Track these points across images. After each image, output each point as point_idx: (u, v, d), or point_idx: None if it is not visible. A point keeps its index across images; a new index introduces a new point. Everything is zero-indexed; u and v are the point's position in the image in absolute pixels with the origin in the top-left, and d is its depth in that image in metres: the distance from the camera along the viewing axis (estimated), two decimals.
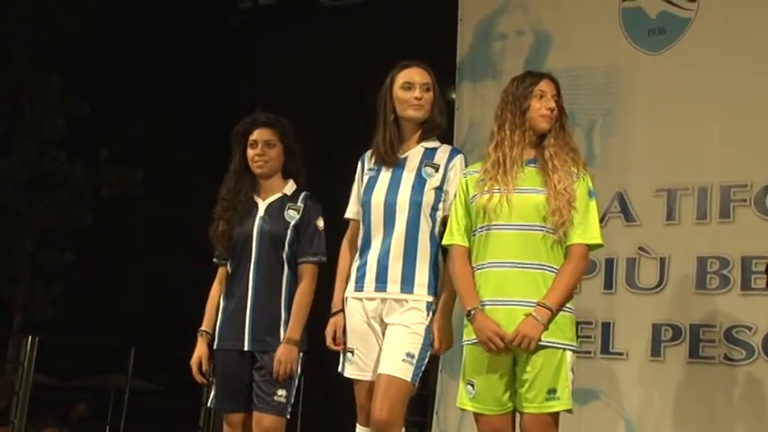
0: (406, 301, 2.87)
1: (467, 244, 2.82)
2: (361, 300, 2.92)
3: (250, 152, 3.20)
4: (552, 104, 2.79)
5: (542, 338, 2.67)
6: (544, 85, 2.82)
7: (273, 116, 3.25)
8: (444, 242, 2.85)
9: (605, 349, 4.16)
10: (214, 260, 3.30)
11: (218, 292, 3.25)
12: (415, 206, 2.88)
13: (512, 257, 2.72)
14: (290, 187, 3.26)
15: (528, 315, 2.66)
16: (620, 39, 4.40)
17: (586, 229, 2.74)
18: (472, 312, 2.73)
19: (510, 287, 2.70)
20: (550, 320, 2.67)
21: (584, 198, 2.76)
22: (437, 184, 2.92)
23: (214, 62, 5.37)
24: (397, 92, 2.95)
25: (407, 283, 2.87)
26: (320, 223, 3.21)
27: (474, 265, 2.78)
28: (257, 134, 3.20)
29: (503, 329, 2.68)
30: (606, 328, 4.19)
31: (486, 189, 2.79)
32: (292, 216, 3.17)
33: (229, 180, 3.22)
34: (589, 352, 4.12)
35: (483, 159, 2.85)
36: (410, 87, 2.93)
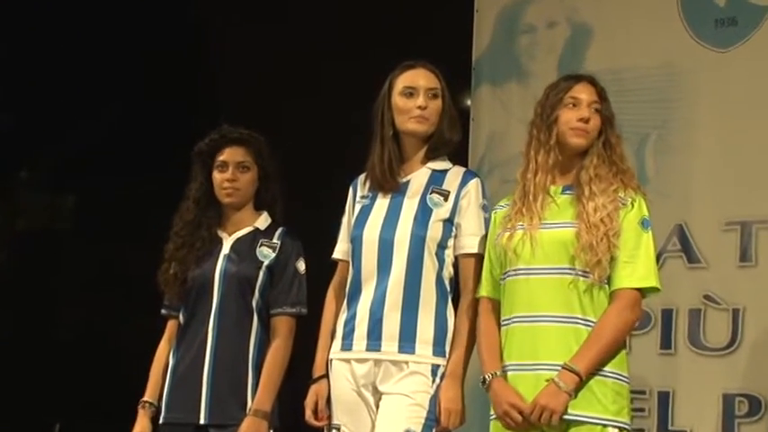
0: (406, 363, 2.90)
1: (496, 295, 2.89)
2: (349, 362, 2.96)
3: (218, 176, 3.26)
4: (586, 114, 2.82)
5: (572, 411, 2.70)
6: (579, 90, 2.86)
7: (247, 132, 3.31)
8: (476, 295, 2.92)
9: (663, 426, 4.19)
10: (163, 311, 3.34)
11: (167, 351, 3.31)
12: (418, 242, 2.93)
13: (540, 309, 2.77)
14: (263, 220, 3.32)
15: (549, 381, 2.70)
16: (678, 31, 4.44)
17: (636, 269, 2.75)
18: (487, 380, 2.80)
19: (538, 347, 2.76)
20: (579, 388, 2.70)
21: (634, 229, 2.79)
22: (446, 215, 2.97)
23: (168, 67, 5.45)
24: (397, 100, 3.00)
25: (407, 341, 2.91)
26: (300, 265, 3.26)
27: (501, 321, 2.86)
28: (227, 154, 3.27)
29: (523, 401, 2.72)
30: (664, 399, 4.22)
31: (509, 226, 2.85)
32: (266, 255, 3.23)
33: (187, 211, 3.28)
34: (642, 430, 4.15)
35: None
36: (412, 94, 2.98)
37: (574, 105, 2.85)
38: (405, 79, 3.01)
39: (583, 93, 2.87)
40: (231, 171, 3.24)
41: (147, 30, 5.53)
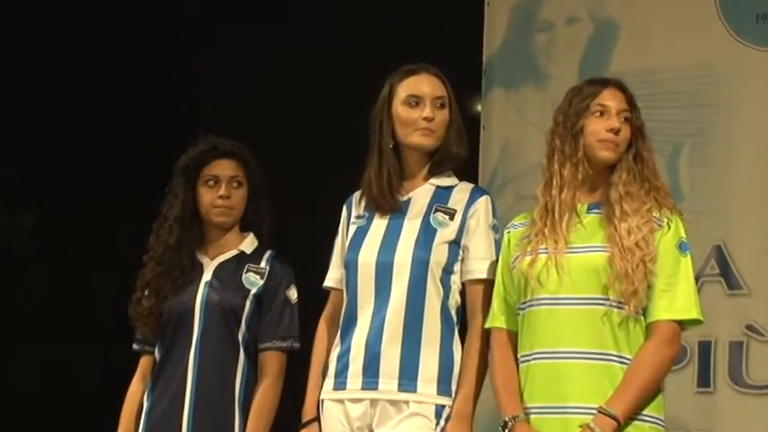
0: (407, 403, 2.90)
1: (513, 327, 2.90)
2: (342, 402, 2.96)
3: (208, 194, 3.29)
4: (616, 124, 2.83)
5: None
6: (607, 97, 2.86)
7: (237, 144, 3.36)
8: (486, 325, 2.93)
9: None
10: (135, 346, 3.34)
11: (141, 390, 3.31)
12: (420, 267, 2.94)
13: (566, 345, 2.78)
14: (249, 243, 3.34)
15: (583, 427, 2.71)
16: (716, 27, 4.46)
17: (674, 299, 2.77)
18: (509, 424, 2.80)
19: (565, 388, 2.76)
20: None
21: (672, 253, 2.81)
22: (451, 236, 2.98)
23: (140, 68, 5.46)
24: (399, 109, 3.01)
25: (408, 378, 2.90)
26: (292, 294, 3.28)
27: (519, 357, 2.86)
28: (218, 168, 3.30)
29: None
30: None
31: (529, 249, 2.85)
32: (253, 282, 3.26)
33: (168, 232, 3.29)
34: None
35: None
36: (417, 103, 2.99)
37: (601, 114, 2.86)
38: (408, 86, 3.02)
39: (611, 100, 2.88)
40: (225, 187, 3.28)
41: (119, 27, 5.53)
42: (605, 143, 2.84)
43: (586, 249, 2.82)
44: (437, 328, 2.94)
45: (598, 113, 2.86)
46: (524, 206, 3.13)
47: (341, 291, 3.07)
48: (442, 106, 3.02)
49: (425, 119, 2.98)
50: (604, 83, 2.93)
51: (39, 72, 5.65)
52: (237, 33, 5.39)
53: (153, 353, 3.31)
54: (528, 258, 2.84)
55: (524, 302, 2.86)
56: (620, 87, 2.92)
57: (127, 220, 3.64)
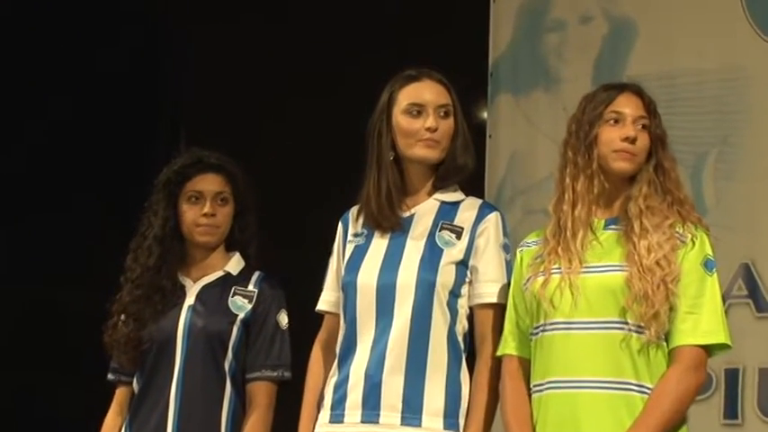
0: None
1: (525, 354, 2.90)
2: None
3: (192, 210, 3.30)
4: (632, 132, 2.84)
5: None
6: (622, 103, 2.87)
7: (224, 157, 3.37)
8: (498, 353, 2.92)
9: None
10: (110, 376, 3.33)
11: (117, 424, 3.30)
12: (425, 290, 2.94)
13: (581, 373, 2.77)
14: (235, 263, 3.35)
15: None
16: (742, 27, 4.46)
17: (699, 322, 2.76)
18: None
19: (580, 419, 2.76)
20: None
21: (697, 272, 2.80)
22: (459, 256, 2.98)
23: (114, 75, 5.44)
24: (400, 119, 3.01)
25: (412, 411, 2.90)
26: (282, 319, 3.29)
27: (531, 386, 2.86)
28: (203, 183, 3.31)
29: None
30: None
31: (541, 269, 2.86)
32: (240, 306, 3.27)
33: (145, 253, 3.29)
34: None
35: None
36: (420, 113, 2.99)
37: (616, 122, 2.86)
38: (409, 94, 3.02)
39: (627, 106, 2.88)
40: (210, 204, 3.29)
41: (91, 30, 5.51)
42: (620, 153, 2.84)
43: (603, 269, 2.82)
44: (444, 356, 2.94)
45: (612, 121, 2.86)
46: (534, 222, 3.15)
47: (336, 315, 3.07)
48: (447, 115, 3.02)
49: (428, 129, 2.99)
50: (620, 88, 2.93)
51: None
52: (222, 35, 5.41)
53: (130, 383, 3.30)
54: (540, 279, 2.84)
55: (537, 327, 2.86)
56: (638, 93, 2.92)
57: (101, 239, 3.61)
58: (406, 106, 3.01)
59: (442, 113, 3.01)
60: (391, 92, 3.05)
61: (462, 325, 3.00)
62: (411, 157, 3.02)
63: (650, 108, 2.91)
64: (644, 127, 2.88)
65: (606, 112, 2.87)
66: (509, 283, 2.99)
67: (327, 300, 3.12)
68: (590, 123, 2.87)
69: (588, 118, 2.87)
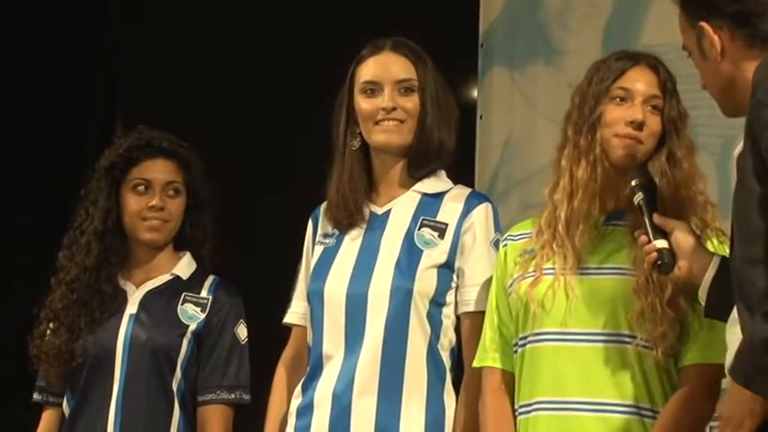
0: None
1: (509, 367, 2.79)
2: None
3: (137, 201, 3.20)
4: (639, 115, 2.68)
5: None
6: (632, 78, 2.72)
7: (178, 140, 3.28)
8: (475, 364, 2.84)
9: None
10: (36, 396, 3.25)
11: None
12: (401, 299, 2.85)
13: (575, 393, 2.68)
14: (185, 265, 3.27)
15: None
16: None
17: (713, 339, 2.61)
18: None
19: None
20: None
21: None
22: (441, 258, 2.88)
23: (38, 46, 5.33)
24: (359, 100, 2.94)
25: None
26: (241, 332, 3.22)
27: (517, 407, 2.77)
28: (151, 170, 3.21)
29: None
30: None
31: (531, 268, 2.74)
32: (192, 316, 3.19)
33: (83, 250, 3.21)
34: None
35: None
36: (374, 90, 2.91)
37: (623, 100, 2.72)
38: (365, 70, 2.94)
39: (638, 81, 2.72)
40: (159, 195, 3.19)
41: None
42: (622, 139, 2.70)
43: (604, 271, 2.71)
44: (422, 375, 2.86)
45: (619, 99, 2.72)
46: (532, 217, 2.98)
47: (304, 328, 3.00)
48: (408, 91, 2.92)
49: (384, 109, 2.90)
50: (635, 59, 2.77)
51: None
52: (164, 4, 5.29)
53: (60, 405, 3.21)
54: (529, 279, 2.73)
55: (523, 337, 2.74)
56: (653, 66, 2.76)
57: (27, 236, 3.43)
58: (362, 84, 2.94)
59: (401, 90, 2.92)
60: (353, 71, 2.98)
61: (448, 338, 2.90)
62: (372, 143, 2.93)
63: (666, 86, 2.75)
64: (656, 108, 2.73)
65: (613, 88, 2.72)
66: None
67: (295, 311, 3.05)
68: (595, 98, 2.72)
69: (594, 92, 2.73)
